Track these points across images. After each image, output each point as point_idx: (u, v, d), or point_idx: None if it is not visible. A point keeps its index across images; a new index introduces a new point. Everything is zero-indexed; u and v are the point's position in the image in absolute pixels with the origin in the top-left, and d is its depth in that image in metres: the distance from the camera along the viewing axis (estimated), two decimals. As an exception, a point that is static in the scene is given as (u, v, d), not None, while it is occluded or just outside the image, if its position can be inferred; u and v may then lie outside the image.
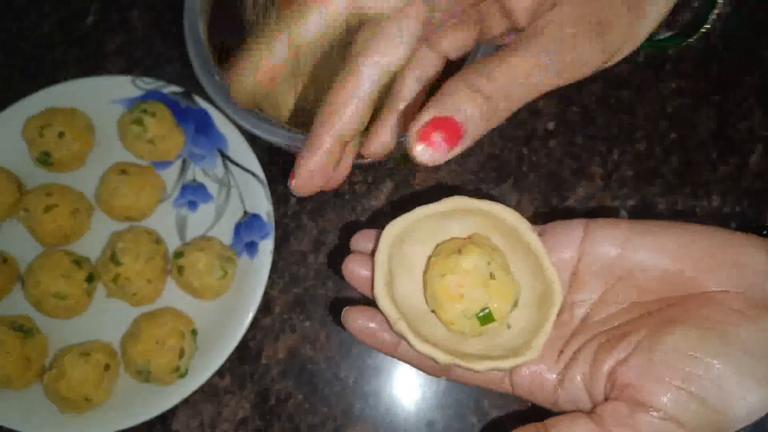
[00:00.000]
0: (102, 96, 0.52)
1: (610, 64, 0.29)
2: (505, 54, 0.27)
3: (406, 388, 0.49)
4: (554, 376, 0.30)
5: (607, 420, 0.27)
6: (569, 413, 0.29)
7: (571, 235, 0.31)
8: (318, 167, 0.29)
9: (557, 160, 0.52)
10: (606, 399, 0.28)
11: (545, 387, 0.30)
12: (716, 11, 0.34)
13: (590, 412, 0.28)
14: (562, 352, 0.30)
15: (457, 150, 0.26)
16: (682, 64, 0.54)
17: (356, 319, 0.33)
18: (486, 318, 0.30)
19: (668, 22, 0.31)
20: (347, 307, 0.33)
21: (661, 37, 0.39)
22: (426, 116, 0.26)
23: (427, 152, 0.26)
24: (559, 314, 0.30)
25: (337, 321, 0.50)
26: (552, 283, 0.30)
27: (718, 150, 0.52)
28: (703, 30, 0.36)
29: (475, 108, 0.26)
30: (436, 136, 0.26)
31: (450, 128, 0.26)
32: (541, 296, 0.30)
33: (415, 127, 0.26)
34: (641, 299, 0.30)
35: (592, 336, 0.30)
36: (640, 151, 0.52)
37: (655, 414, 0.26)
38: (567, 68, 0.27)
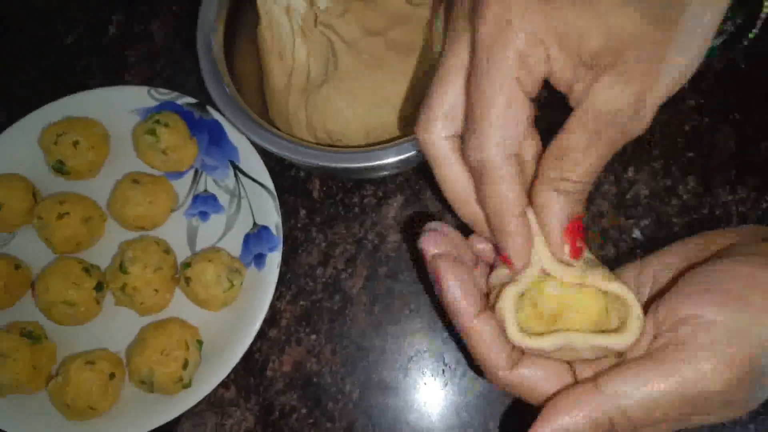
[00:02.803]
0: (118, 106, 0.53)
1: None
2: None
3: (410, 406, 0.48)
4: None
5: (650, 350, 0.27)
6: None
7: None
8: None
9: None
10: None
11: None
12: (764, 13, 0.34)
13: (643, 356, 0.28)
14: None
15: None
16: (702, 81, 0.53)
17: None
18: None
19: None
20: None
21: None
22: None
23: None
24: None
25: (344, 333, 0.50)
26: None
27: (737, 170, 0.51)
28: (751, 35, 0.36)
29: None
30: None
31: None
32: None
33: None
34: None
35: None
36: (656, 170, 0.51)
37: (690, 323, 0.27)
38: None
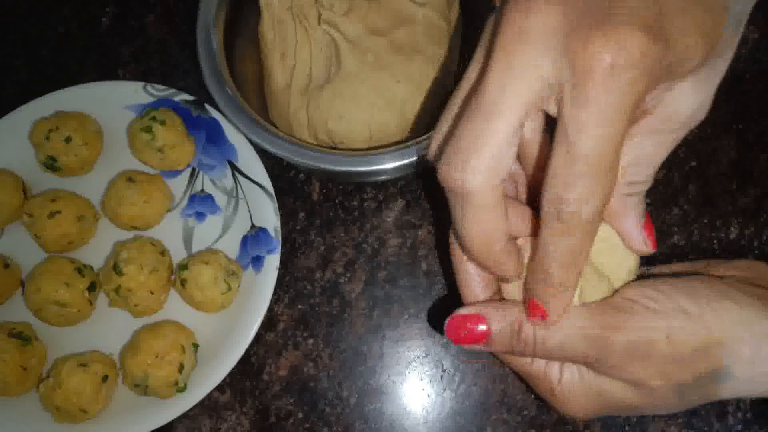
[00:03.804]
0: (112, 101, 0.52)
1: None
2: None
3: (408, 412, 0.48)
4: None
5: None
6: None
7: None
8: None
9: (572, 185, 0.51)
10: None
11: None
12: None
13: None
14: None
15: None
16: (704, 90, 0.53)
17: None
18: None
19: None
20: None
21: None
22: None
23: None
24: None
25: (342, 337, 0.49)
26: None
27: (738, 180, 0.51)
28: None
29: None
30: None
31: None
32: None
33: None
34: None
35: None
36: (658, 179, 0.51)
37: (630, 301, 0.30)
38: None
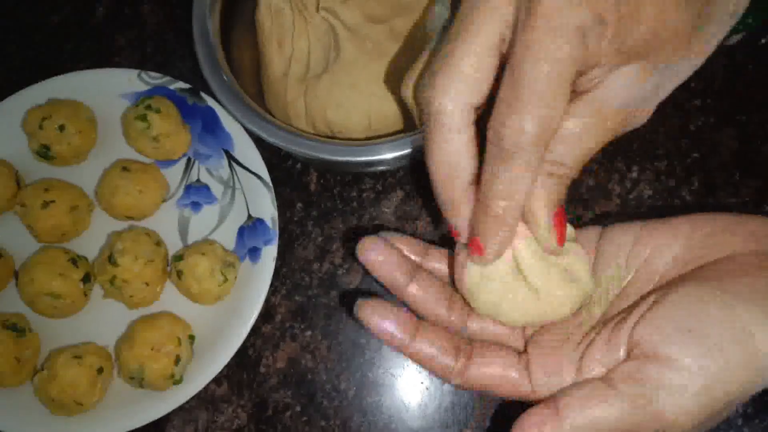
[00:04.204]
0: (106, 89, 0.51)
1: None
2: None
3: (406, 404, 0.47)
4: (572, 365, 0.29)
5: (616, 378, 0.27)
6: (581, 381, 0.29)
7: (588, 237, 0.33)
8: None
9: (573, 176, 0.51)
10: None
11: (565, 377, 0.29)
12: None
13: (602, 377, 0.28)
14: (580, 343, 0.30)
15: None
16: (708, 81, 0.52)
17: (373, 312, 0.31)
18: None
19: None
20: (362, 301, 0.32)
21: None
22: None
23: None
24: (576, 314, 0.31)
25: (340, 329, 0.49)
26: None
27: (740, 172, 0.51)
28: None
29: None
30: None
31: None
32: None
33: None
34: (657, 286, 0.30)
35: (605, 325, 0.30)
36: (661, 170, 0.51)
37: (663, 363, 0.26)
38: None
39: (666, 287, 0.29)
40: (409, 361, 0.48)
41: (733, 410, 0.28)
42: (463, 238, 0.30)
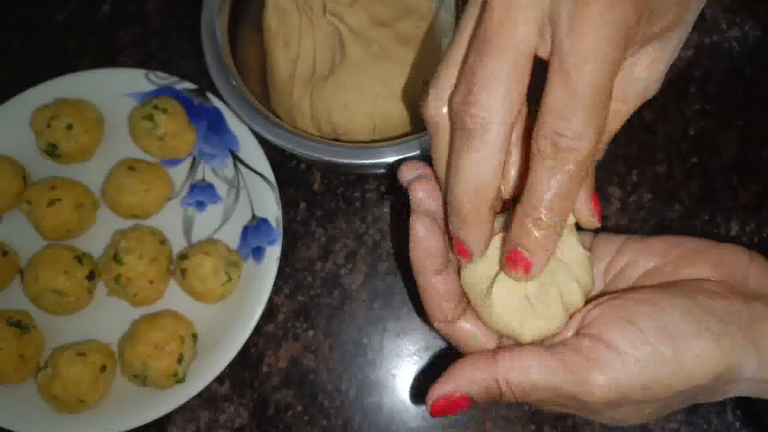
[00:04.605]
0: (114, 89, 0.51)
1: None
2: None
3: (407, 405, 0.48)
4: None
5: (557, 347, 0.29)
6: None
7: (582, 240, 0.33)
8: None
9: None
10: None
11: None
12: None
13: (545, 345, 0.30)
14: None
15: None
16: (707, 85, 0.53)
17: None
18: None
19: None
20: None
21: None
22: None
23: None
24: None
25: (343, 329, 0.49)
26: None
27: (740, 176, 0.51)
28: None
29: None
30: None
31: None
32: None
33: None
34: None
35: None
36: (660, 174, 0.51)
37: (599, 342, 0.28)
38: None
39: (627, 289, 0.31)
40: (411, 362, 0.48)
41: (660, 411, 0.30)
42: (475, 257, 0.30)
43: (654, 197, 0.51)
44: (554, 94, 0.25)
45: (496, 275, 0.30)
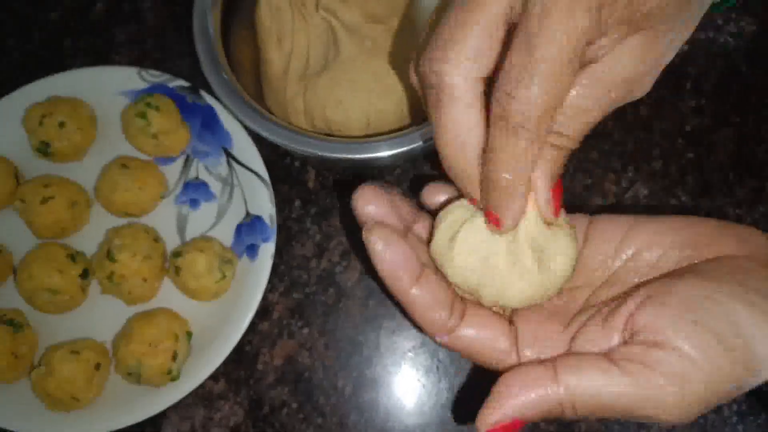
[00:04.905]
0: (106, 87, 0.51)
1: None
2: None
3: (403, 402, 0.48)
4: (563, 342, 0.29)
5: (617, 357, 0.26)
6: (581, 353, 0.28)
7: (577, 223, 0.32)
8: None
9: (569, 175, 0.51)
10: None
11: (554, 354, 0.29)
12: None
13: (604, 354, 0.27)
14: (568, 325, 0.29)
15: None
16: (703, 82, 0.53)
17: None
18: None
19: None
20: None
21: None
22: None
23: None
24: (558, 297, 0.30)
25: (338, 327, 0.49)
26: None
27: (736, 172, 0.51)
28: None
29: None
30: None
31: None
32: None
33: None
34: (644, 279, 0.30)
35: (598, 310, 0.29)
36: (656, 170, 0.51)
37: (669, 351, 0.25)
38: None
39: (664, 280, 0.28)
40: (406, 359, 0.48)
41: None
42: (482, 205, 0.29)
43: (650, 194, 0.51)
44: (514, 58, 0.25)
45: (460, 227, 0.30)
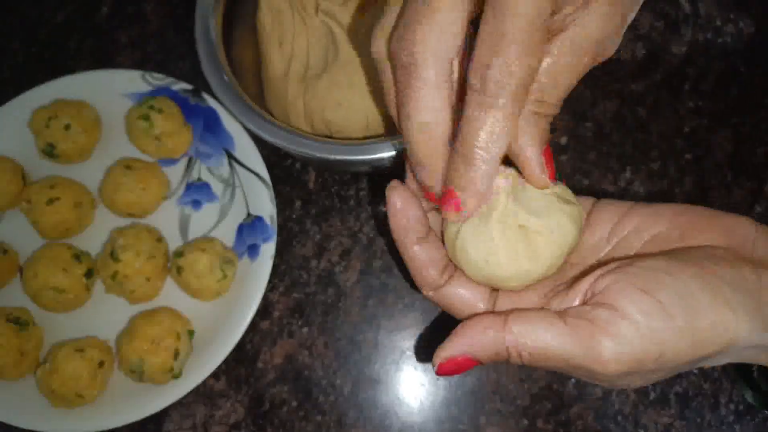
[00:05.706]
0: (111, 89, 0.52)
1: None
2: None
3: (401, 401, 0.48)
4: (537, 299, 0.31)
5: (568, 315, 0.28)
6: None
7: (582, 204, 0.33)
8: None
9: (567, 176, 0.51)
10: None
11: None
12: None
13: (557, 311, 0.29)
14: (544, 296, 0.31)
15: None
16: (702, 83, 0.53)
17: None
18: None
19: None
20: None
21: None
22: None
23: None
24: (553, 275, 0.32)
25: (337, 326, 0.49)
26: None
27: (734, 173, 0.51)
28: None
29: None
30: None
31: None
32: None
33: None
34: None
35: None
36: (654, 171, 0.51)
37: (612, 311, 0.27)
38: None
39: (636, 257, 0.30)
40: (405, 358, 0.49)
41: (663, 376, 0.29)
42: (444, 188, 0.29)
43: (648, 194, 0.51)
44: (487, 28, 0.25)
45: (461, 225, 0.30)
